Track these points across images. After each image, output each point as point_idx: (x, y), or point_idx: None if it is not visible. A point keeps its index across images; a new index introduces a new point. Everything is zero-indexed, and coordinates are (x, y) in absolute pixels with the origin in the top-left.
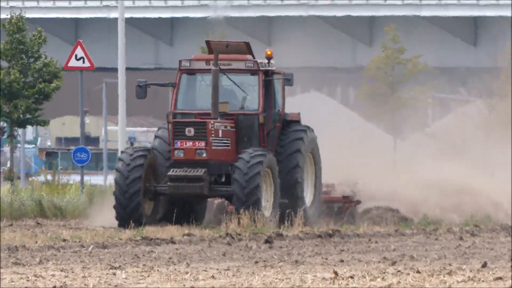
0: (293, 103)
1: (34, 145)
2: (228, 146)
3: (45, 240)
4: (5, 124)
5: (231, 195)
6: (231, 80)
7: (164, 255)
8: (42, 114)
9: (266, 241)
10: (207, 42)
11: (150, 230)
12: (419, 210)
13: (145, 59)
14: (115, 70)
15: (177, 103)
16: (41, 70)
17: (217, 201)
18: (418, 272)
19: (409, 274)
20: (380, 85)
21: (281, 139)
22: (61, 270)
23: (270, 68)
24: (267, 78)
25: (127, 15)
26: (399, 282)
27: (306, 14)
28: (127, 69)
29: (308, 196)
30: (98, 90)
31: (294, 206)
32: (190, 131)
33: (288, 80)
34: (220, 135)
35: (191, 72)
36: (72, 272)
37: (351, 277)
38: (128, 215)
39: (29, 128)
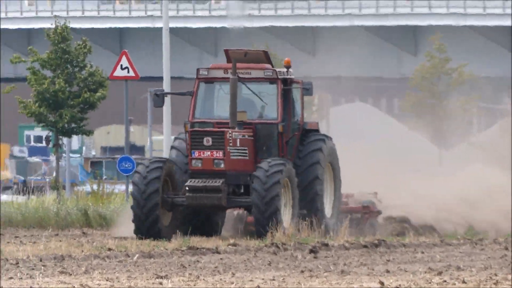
0: (338, 112)
1: (79, 155)
2: (246, 156)
3: (90, 250)
4: (50, 134)
5: (249, 205)
6: (250, 89)
7: (209, 264)
8: (87, 123)
9: (311, 251)
10: (226, 51)
11: (195, 240)
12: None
13: (189, 68)
14: (159, 79)
15: (195, 112)
16: (87, 80)
17: (236, 211)
18: (464, 282)
19: (455, 284)
20: (425, 94)
21: (300, 149)
22: (107, 280)
23: (289, 77)
24: (286, 87)
25: (172, 25)
26: None
27: (350, 24)
28: (172, 78)
29: (327, 207)
30: (143, 99)
31: (314, 218)
32: (208, 140)
33: (307, 90)
34: (238, 145)
35: (209, 80)
36: (118, 281)
37: (397, 287)
38: (146, 229)
39: (75, 138)
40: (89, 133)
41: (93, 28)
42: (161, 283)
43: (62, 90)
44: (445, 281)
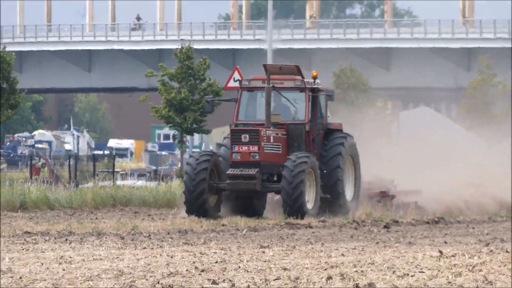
0: (406, 115)
1: (199, 149)
2: (279, 150)
3: (208, 225)
4: (176, 132)
5: (280, 190)
6: (283, 96)
7: (303, 236)
8: (206, 124)
9: (385, 227)
10: (264, 66)
11: (291, 218)
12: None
13: None
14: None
15: (239, 115)
16: (206, 90)
17: (277, 197)
18: (507, 251)
19: (499, 253)
20: (477, 102)
21: (325, 144)
22: (221, 249)
23: (315, 86)
24: (313, 94)
25: (275, 46)
26: (491, 260)
27: (418, 46)
28: None
29: (348, 193)
30: None
31: (336, 201)
32: (245, 137)
33: (329, 96)
34: (271, 141)
35: (250, 89)
36: (230, 250)
37: (453, 256)
38: (195, 210)
39: (196, 136)
40: (207, 132)
41: (211, 49)
42: (264, 252)
43: (186, 98)
44: (491, 250)
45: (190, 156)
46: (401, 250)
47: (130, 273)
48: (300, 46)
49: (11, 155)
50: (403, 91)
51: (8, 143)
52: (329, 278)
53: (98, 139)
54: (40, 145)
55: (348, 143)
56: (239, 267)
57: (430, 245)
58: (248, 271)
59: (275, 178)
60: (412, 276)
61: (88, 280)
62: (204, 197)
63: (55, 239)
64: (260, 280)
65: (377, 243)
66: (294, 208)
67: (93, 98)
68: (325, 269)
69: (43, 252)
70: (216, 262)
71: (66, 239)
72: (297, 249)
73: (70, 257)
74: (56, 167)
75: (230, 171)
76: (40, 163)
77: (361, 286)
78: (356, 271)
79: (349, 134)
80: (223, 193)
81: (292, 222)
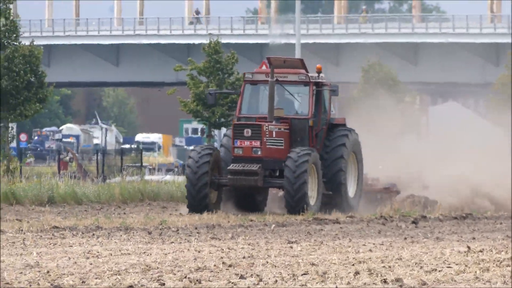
0: (435, 110)
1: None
2: (282, 145)
3: (236, 220)
4: (205, 127)
5: (282, 186)
6: (287, 90)
7: (331, 232)
8: (233, 118)
9: (413, 222)
10: (268, 58)
11: (319, 214)
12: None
13: None
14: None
15: (242, 108)
16: (234, 84)
17: (281, 193)
18: None
19: None
20: (505, 97)
21: (327, 144)
22: (249, 244)
23: (319, 80)
24: (317, 88)
25: (303, 41)
26: None
27: (446, 41)
28: None
29: (351, 188)
30: None
31: (338, 193)
32: (248, 132)
33: (333, 91)
34: (274, 136)
35: (254, 82)
36: (258, 245)
37: (481, 251)
38: (197, 203)
39: (223, 129)
40: None
41: (239, 43)
42: (291, 247)
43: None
44: None
45: (192, 150)
46: (429, 246)
47: (158, 267)
48: (328, 41)
49: (39, 149)
50: (431, 86)
51: (36, 137)
52: (357, 273)
53: (126, 133)
54: (68, 140)
55: (350, 141)
56: (267, 262)
57: (458, 241)
58: (275, 266)
59: (277, 174)
60: (439, 271)
61: (116, 275)
62: (206, 193)
63: (83, 233)
64: (288, 275)
65: (405, 238)
66: (295, 199)
67: (121, 93)
68: (353, 265)
69: (70, 246)
70: (244, 257)
71: (94, 234)
72: (324, 244)
73: (98, 252)
74: (84, 162)
75: (231, 167)
76: (68, 158)
77: (388, 282)
78: (383, 266)
79: (352, 129)
80: (224, 188)
81: (320, 217)
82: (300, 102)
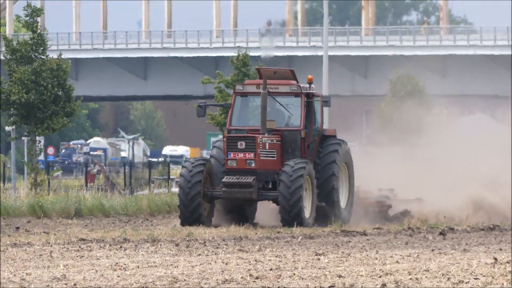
0: (463, 122)
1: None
2: (274, 157)
3: (263, 232)
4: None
5: (277, 198)
6: (278, 102)
7: (358, 244)
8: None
9: (440, 233)
10: (258, 69)
11: (347, 226)
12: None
13: (342, 88)
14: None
15: (232, 120)
16: None
17: (272, 205)
18: None
19: None
20: None
21: (320, 151)
22: (276, 256)
23: (311, 91)
24: (308, 99)
25: (330, 53)
26: None
27: (474, 53)
28: (329, 96)
29: (342, 200)
30: None
31: (331, 209)
32: (241, 144)
33: (325, 102)
34: (267, 148)
35: (244, 94)
36: (285, 257)
37: (508, 262)
38: (189, 213)
39: None
40: None
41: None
42: (319, 259)
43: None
44: None
45: (186, 160)
46: (456, 257)
47: (185, 280)
48: (356, 53)
49: (67, 162)
50: (459, 98)
51: (63, 151)
52: (384, 285)
53: (153, 146)
54: (95, 152)
55: (342, 150)
56: (294, 274)
57: (485, 252)
58: (303, 278)
59: (270, 186)
60: (466, 283)
61: (143, 287)
62: (199, 203)
63: (110, 246)
64: (315, 287)
65: (432, 250)
66: (291, 215)
67: (149, 106)
68: (380, 276)
69: (97, 259)
70: (271, 269)
71: (121, 246)
72: (352, 256)
73: (125, 264)
74: (111, 174)
75: (225, 179)
76: (95, 170)
77: None
78: (411, 278)
79: (343, 141)
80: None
81: (347, 229)
82: (291, 114)
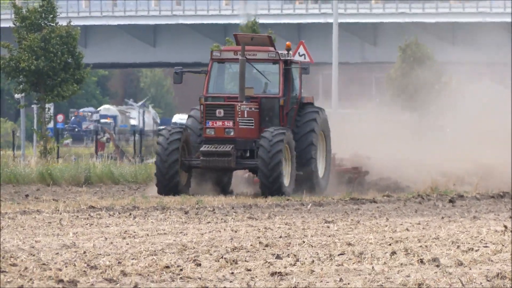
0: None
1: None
2: (252, 125)
3: (273, 200)
4: None
5: (255, 167)
6: (256, 68)
7: (367, 211)
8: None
9: (450, 201)
10: (235, 35)
11: (355, 194)
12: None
13: (352, 55)
14: (329, 64)
15: (209, 87)
16: None
17: (247, 174)
18: None
19: None
20: None
21: (298, 119)
22: (285, 223)
23: (289, 58)
24: (287, 66)
25: (340, 20)
26: None
27: (483, 20)
28: (339, 63)
29: (320, 168)
30: (316, 80)
31: (309, 178)
32: (220, 112)
33: (304, 69)
34: (245, 116)
35: (221, 61)
36: (294, 225)
37: None
38: (167, 181)
39: None
40: None
41: (277, 23)
42: (328, 227)
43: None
44: None
45: (162, 129)
46: (466, 225)
47: (194, 247)
48: (365, 20)
49: (76, 130)
50: (468, 66)
51: (73, 118)
52: (393, 253)
53: (163, 114)
54: (105, 120)
55: (320, 118)
56: (304, 242)
57: (494, 220)
58: (312, 246)
59: (248, 154)
60: (476, 250)
61: (152, 255)
62: (176, 169)
63: (119, 213)
64: (324, 255)
65: (442, 217)
66: (270, 180)
67: (158, 73)
68: (390, 244)
69: (107, 226)
70: (281, 237)
71: (130, 214)
72: (361, 224)
73: (134, 232)
74: (121, 142)
75: (204, 148)
76: (105, 138)
77: (425, 261)
78: (420, 246)
79: (321, 108)
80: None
81: (357, 197)
82: (269, 81)
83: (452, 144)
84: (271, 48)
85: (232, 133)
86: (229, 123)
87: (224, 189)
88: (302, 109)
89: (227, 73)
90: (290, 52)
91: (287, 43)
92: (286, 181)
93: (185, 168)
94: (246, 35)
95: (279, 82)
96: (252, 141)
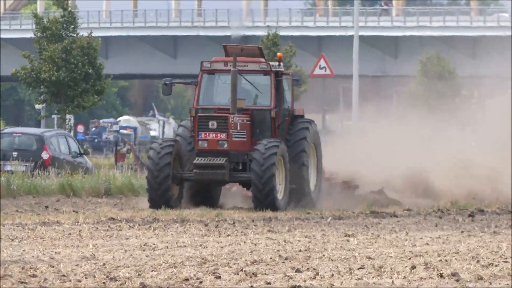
0: (493, 104)
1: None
2: (245, 137)
3: (293, 213)
4: None
5: (248, 181)
6: (247, 80)
7: (388, 225)
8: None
9: (470, 215)
10: (224, 46)
11: (376, 207)
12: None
13: (373, 68)
14: (349, 76)
15: (199, 99)
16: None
17: (235, 187)
18: None
19: None
20: None
21: (290, 129)
22: (305, 237)
23: (280, 70)
24: (278, 78)
25: (361, 33)
26: None
27: (504, 34)
28: (360, 76)
29: (312, 181)
30: (336, 92)
31: (301, 188)
32: (213, 124)
33: (296, 81)
34: (238, 128)
35: (211, 72)
36: (314, 238)
37: None
38: (158, 197)
39: None
40: None
41: (297, 35)
42: (348, 240)
43: None
44: None
45: (153, 142)
46: (486, 240)
47: (214, 260)
48: (386, 34)
49: (96, 140)
50: (489, 79)
51: (93, 129)
52: (413, 267)
53: None
54: (125, 131)
55: (311, 133)
56: (323, 255)
57: None
58: (332, 260)
59: (240, 167)
60: (496, 265)
61: (172, 267)
62: (168, 184)
63: (139, 225)
64: (344, 268)
65: (462, 232)
66: (263, 193)
67: (179, 85)
68: (409, 258)
69: (127, 239)
70: (300, 250)
71: (150, 226)
72: (381, 238)
73: (154, 244)
74: (141, 154)
75: (197, 160)
76: (125, 149)
77: (445, 276)
78: (440, 260)
79: (312, 121)
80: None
81: (377, 210)
82: (261, 93)
83: (471, 157)
84: (262, 59)
85: (225, 145)
86: (222, 135)
87: (213, 202)
88: (293, 122)
89: (218, 85)
90: (281, 63)
91: (278, 54)
92: (280, 194)
93: (177, 181)
94: (236, 45)
95: (270, 93)
96: (245, 154)
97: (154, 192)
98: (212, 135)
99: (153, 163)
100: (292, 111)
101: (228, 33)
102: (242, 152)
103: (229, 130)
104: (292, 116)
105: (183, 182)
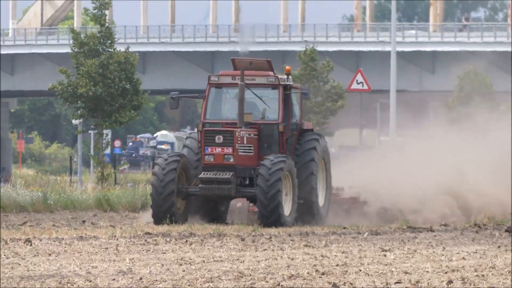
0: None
1: None
2: (252, 152)
3: (329, 228)
4: None
5: (254, 196)
6: (254, 94)
7: (425, 240)
8: (329, 126)
9: (507, 230)
10: (232, 60)
11: (411, 222)
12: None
13: (410, 83)
14: (387, 91)
15: (206, 113)
16: (329, 92)
17: (240, 203)
18: None
19: None
20: None
21: (297, 148)
22: (342, 252)
23: (288, 83)
24: (286, 91)
25: (398, 48)
26: None
27: None
28: (397, 91)
29: (320, 197)
30: (373, 108)
31: (309, 207)
32: (219, 138)
33: (305, 94)
34: (245, 142)
35: (219, 86)
36: (351, 253)
37: None
38: (163, 213)
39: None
40: (330, 134)
41: (334, 51)
42: (385, 255)
43: (309, 100)
44: None
45: (159, 157)
46: None
47: (250, 275)
48: (423, 49)
49: (133, 155)
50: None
51: (130, 144)
52: (450, 282)
53: None
54: (162, 146)
55: (321, 146)
56: (360, 270)
57: None
58: (369, 275)
59: (247, 182)
60: None
61: (208, 282)
62: (172, 202)
63: (176, 240)
64: (381, 283)
65: (499, 247)
66: (269, 209)
67: None
68: (446, 273)
69: (163, 253)
70: (337, 265)
71: (187, 240)
72: (418, 253)
73: (191, 259)
74: None
75: (203, 175)
76: None
77: None
78: (477, 275)
79: (321, 135)
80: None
81: (414, 225)
82: (269, 107)
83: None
84: (271, 73)
85: (231, 160)
86: (229, 150)
87: (221, 217)
88: (302, 136)
89: (225, 99)
90: (289, 77)
91: (287, 67)
92: (287, 210)
93: (183, 196)
94: (244, 59)
95: (278, 107)
96: (251, 169)
97: (158, 208)
98: (218, 150)
99: (158, 179)
100: (300, 125)
101: (266, 48)
102: (249, 167)
103: (235, 145)
104: (301, 130)
105: (189, 197)
